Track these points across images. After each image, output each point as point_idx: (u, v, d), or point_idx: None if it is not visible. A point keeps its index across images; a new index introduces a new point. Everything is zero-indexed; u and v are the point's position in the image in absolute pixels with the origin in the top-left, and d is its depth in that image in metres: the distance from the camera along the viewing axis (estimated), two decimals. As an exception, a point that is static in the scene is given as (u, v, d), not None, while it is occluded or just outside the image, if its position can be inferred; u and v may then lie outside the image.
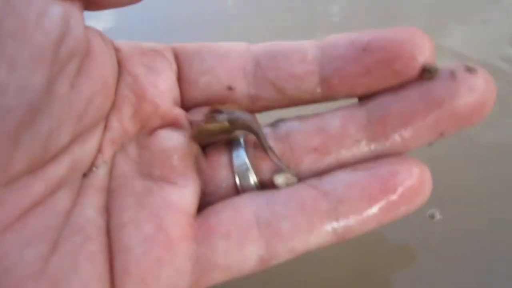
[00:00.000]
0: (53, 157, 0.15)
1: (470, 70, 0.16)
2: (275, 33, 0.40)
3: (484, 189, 0.27)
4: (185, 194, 0.17)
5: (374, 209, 0.16)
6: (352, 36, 0.18)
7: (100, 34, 0.17)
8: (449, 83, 0.16)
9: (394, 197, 0.16)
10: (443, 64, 0.17)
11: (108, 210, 0.16)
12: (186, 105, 0.20)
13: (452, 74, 0.16)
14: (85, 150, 0.16)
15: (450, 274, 0.23)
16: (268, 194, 0.17)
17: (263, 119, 0.20)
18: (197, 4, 0.47)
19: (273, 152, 0.18)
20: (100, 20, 0.41)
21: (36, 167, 0.14)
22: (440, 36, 0.39)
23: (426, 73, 0.16)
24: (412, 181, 0.16)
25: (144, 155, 0.18)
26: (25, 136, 0.13)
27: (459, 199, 0.26)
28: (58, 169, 0.15)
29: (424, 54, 0.16)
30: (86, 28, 0.16)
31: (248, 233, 0.16)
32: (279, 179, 0.17)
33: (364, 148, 0.17)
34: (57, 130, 0.15)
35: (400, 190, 0.16)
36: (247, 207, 0.17)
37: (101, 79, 0.16)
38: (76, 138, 0.16)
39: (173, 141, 0.18)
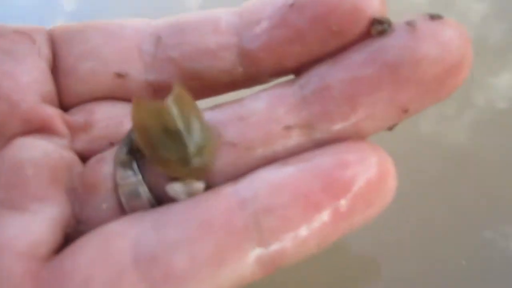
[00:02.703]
0: None
1: (434, 17, 0.11)
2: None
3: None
4: (33, 226, 0.11)
5: (316, 220, 0.10)
6: None
7: None
8: (408, 37, 0.11)
9: (344, 199, 0.11)
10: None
11: None
12: (66, 102, 0.14)
13: (411, 25, 0.11)
14: None
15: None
16: (158, 212, 0.12)
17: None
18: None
19: None
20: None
21: None
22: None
23: (376, 27, 0.12)
24: (369, 174, 0.11)
25: None
26: None
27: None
28: None
29: (371, 3, 0.12)
30: None
31: (121, 277, 0.10)
32: (175, 188, 0.12)
33: (299, 135, 0.12)
34: None
35: (352, 188, 0.11)
36: (123, 236, 0.11)
37: None
38: None
39: (32, 151, 0.13)
